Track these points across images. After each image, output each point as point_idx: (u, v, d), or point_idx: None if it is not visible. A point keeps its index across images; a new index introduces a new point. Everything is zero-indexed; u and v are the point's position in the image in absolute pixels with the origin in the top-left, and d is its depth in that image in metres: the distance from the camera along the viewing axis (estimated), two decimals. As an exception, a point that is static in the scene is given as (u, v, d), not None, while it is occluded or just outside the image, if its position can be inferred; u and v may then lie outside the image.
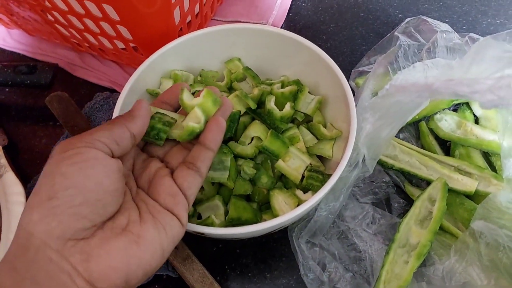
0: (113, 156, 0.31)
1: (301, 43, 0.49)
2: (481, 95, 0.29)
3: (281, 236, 0.51)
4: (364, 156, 0.44)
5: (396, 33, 0.55)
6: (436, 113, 0.55)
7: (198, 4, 0.59)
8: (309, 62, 0.50)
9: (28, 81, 0.58)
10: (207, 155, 0.36)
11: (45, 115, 0.61)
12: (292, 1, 0.71)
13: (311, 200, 0.39)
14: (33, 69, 0.58)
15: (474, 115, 0.55)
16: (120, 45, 0.56)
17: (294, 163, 0.47)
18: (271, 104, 0.48)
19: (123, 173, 0.32)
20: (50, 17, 0.56)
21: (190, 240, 0.50)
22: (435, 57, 0.51)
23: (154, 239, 0.30)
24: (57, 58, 0.67)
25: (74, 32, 0.57)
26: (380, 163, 0.51)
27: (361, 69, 0.59)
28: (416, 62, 0.50)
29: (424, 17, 0.55)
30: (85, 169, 0.28)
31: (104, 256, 0.27)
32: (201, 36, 0.51)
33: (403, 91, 0.33)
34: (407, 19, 0.57)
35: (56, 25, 0.57)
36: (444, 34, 0.52)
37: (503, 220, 0.43)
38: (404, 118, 0.39)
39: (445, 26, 0.54)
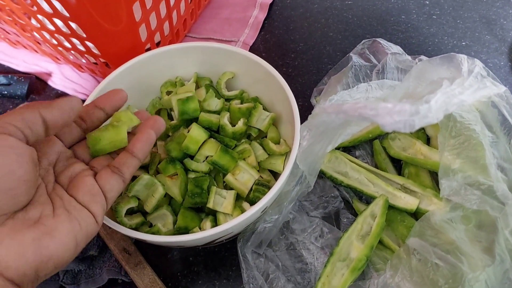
0: (27, 143, 0.30)
1: (258, 63, 0.51)
2: (381, 118, 0.30)
3: (233, 246, 0.53)
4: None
5: (351, 53, 0.57)
6: (391, 132, 0.57)
7: (167, 22, 0.62)
8: (265, 82, 0.52)
9: (6, 92, 0.61)
10: (133, 163, 0.37)
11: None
12: (264, 20, 0.74)
13: (250, 210, 0.41)
14: (11, 80, 0.62)
15: (427, 135, 0.56)
16: (92, 59, 0.60)
17: (243, 177, 0.49)
18: (224, 120, 0.51)
19: (42, 166, 0.33)
20: (26, 33, 0.59)
21: (145, 247, 0.53)
22: (385, 78, 0.53)
23: (68, 232, 0.30)
24: (39, 70, 0.70)
25: (49, 46, 0.60)
26: (331, 178, 0.53)
27: (321, 87, 0.60)
28: (367, 82, 0.52)
29: (379, 39, 0.57)
30: None
31: (14, 246, 0.27)
32: (164, 53, 0.53)
33: (324, 112, 0.36)
34: (363, 41, 0.59)
35: (34, 40, 0.61)
36: (395, 56, 0.53)
37: (436, 238, 0.44)
38: (331, 136, 0.40)
39: (396, 48, 0.55)
